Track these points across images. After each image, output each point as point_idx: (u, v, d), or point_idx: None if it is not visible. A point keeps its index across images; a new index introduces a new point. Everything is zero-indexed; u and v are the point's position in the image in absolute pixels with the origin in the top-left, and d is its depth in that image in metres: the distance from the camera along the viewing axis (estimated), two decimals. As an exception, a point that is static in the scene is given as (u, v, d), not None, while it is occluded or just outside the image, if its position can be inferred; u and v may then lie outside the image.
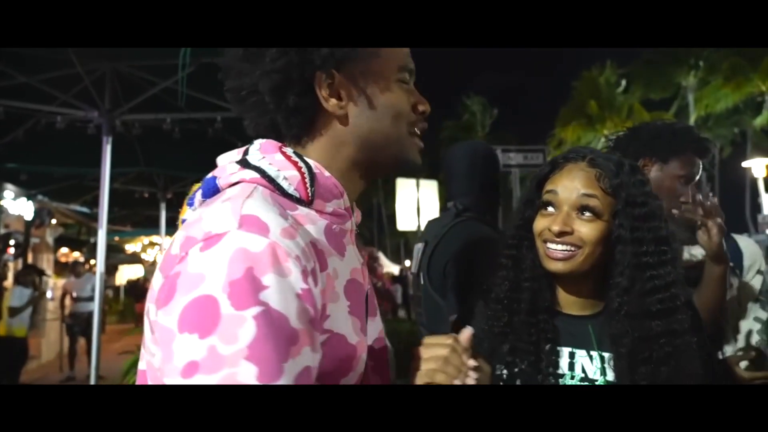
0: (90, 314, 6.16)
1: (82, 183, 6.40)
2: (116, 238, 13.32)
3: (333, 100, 0.79)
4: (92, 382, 3.79)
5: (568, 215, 1.04)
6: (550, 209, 1.07)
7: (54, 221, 11.55)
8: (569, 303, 1.09)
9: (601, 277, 1.07)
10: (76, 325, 8.04)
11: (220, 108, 4.21)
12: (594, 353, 1.05)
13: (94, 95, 3.99)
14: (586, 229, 1.03)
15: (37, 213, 9.98)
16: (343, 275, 0.77)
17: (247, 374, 0.60)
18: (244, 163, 0.79)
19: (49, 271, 12.86)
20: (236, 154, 0.82)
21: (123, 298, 18.64)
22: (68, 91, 4.05)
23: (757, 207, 21.06)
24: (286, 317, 0.63)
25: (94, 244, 7.79)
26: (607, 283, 1.06)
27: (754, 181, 20.03)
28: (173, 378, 0.62)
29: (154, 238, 12.90)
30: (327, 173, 0.80)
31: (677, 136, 1.67)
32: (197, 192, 0.81)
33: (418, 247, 1.94)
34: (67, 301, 8.44)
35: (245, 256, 0.64)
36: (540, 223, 1.07)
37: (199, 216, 0.71)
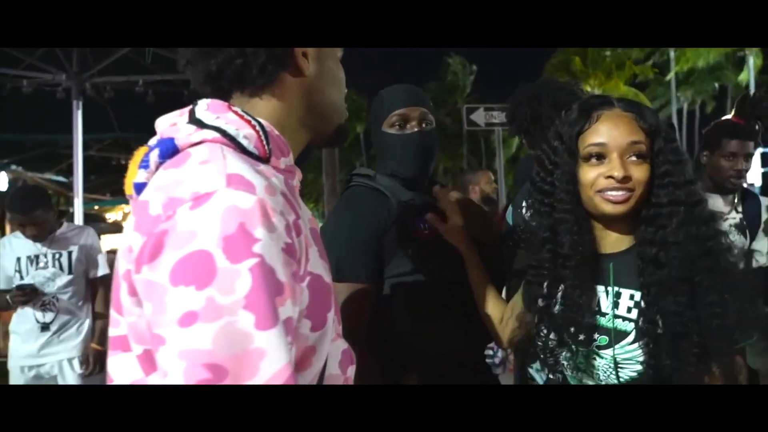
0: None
1: (55, 151, 6.23)
2: (96, 207, 13.09)
3: (305, 61, 0.90)
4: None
5: (622, 161, 1.12)
6: (596, 160, 1.14)
7: (30, 191, 11.28)
8: (603, 244, 1.21)
9: (633, 216, 1.16)
10: None
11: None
12: (609, 288, 1.18)
13: (60, 57, 3.81)
14: (638, 172, 1.12)
15: (11, 183, 9.72)
16: (306, 224, 0.85)
17: (246, 322, 0.65)
18: (199, 124, 0.81)
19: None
20: (178, 115, 0.84)
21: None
22: (33, 53, 3.86)
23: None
24: (274, 269, 0.68)
25: (73, 214, 7.63)
26: (649, 218, 1.14)
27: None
28: (169, 328, 0.65)
29: (135, 206, 12.67)
30: (276, 132, 0.86)
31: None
32: (151, 153, 0.81)
33: None
34: None
35: (237, 212, 0.68)
36: (590, 174, 1.15)
37: (177, 178, 0.73)
